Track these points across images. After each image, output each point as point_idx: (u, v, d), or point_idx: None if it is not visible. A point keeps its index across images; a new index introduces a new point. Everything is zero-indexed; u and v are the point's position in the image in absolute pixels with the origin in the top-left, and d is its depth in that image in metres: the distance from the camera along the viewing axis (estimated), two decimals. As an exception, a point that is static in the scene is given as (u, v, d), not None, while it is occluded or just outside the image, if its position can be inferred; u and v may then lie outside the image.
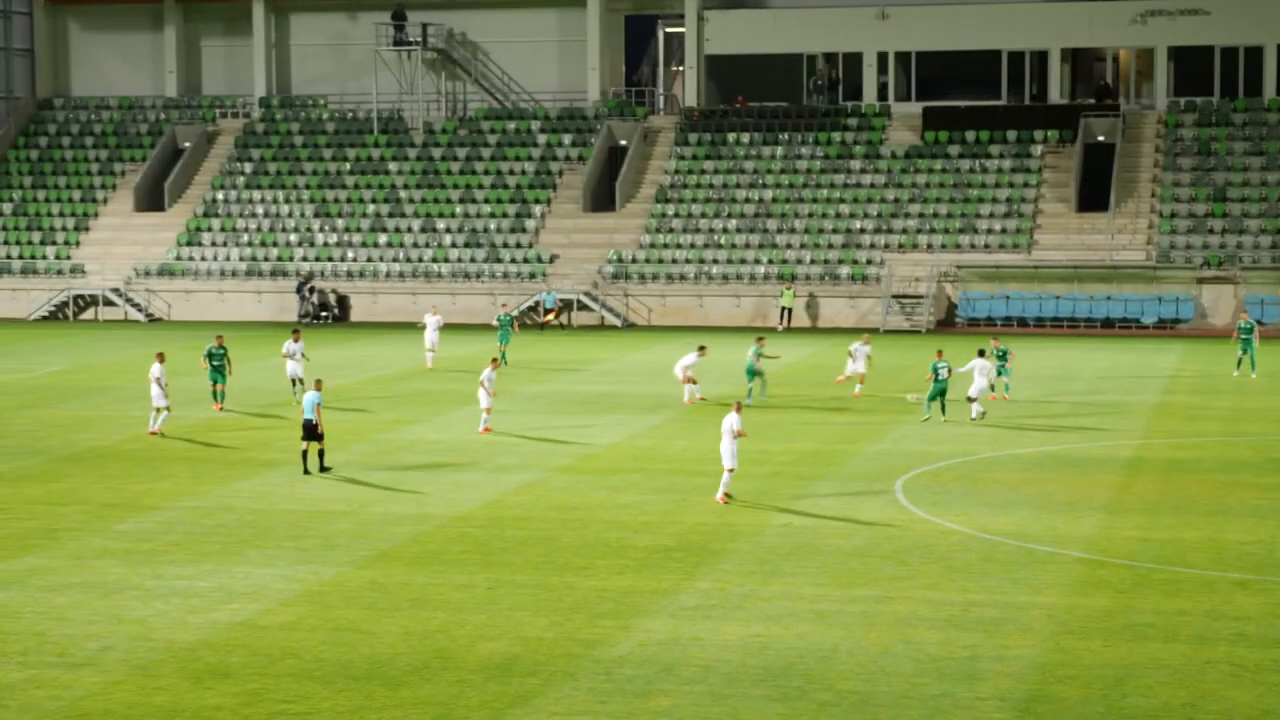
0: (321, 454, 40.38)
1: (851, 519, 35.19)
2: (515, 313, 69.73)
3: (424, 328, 60.99)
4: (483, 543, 33.14)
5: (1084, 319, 75.63)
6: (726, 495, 36.76)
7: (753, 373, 51.69)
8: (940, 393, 47.62)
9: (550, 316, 75.23)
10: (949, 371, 47.65)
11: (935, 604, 28.36)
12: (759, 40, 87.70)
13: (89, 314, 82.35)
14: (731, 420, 36.52)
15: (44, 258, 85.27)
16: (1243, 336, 58.36)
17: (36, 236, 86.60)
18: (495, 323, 63.48)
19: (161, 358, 46.80)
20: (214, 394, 50.71)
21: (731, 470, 36.69)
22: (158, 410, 46.08)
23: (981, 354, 48.33)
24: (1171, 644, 26.10)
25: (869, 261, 78.42)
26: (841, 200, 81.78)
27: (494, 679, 24.53)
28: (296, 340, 52.96)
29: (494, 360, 47.87)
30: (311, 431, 39.80)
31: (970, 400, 47.71)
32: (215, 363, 50.49)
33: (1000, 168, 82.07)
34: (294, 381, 52.54)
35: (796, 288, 77.21)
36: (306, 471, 40.06)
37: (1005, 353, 52.64)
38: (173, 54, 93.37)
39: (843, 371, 54.40)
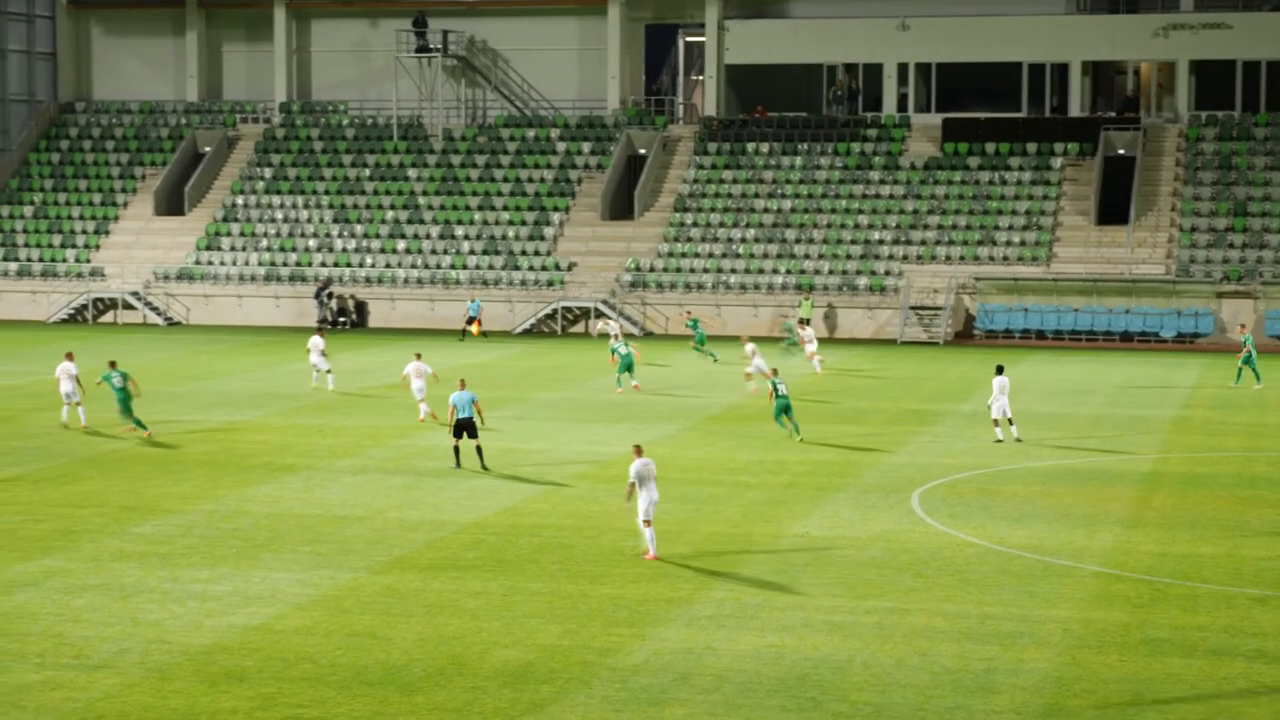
0: (480, 451, 41.71)
1: (868, 530, 35.15)
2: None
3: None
4: (499, 550, 33.15)
5: (1103, 332, 75.51)
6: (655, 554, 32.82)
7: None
8: (784, 409, 46.59)
9: (473, 326, 73.94)
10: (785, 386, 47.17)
11: (951, 616, 28.32)
12: (779, 50, 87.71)
13: (108, 317, 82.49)
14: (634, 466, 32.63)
15: (64, 260, 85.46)
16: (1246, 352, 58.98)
17: (57, 239, 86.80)
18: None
19: (70, 356, 48.39)
20: (126, 416, 46.56)
21: (646, 523, 32.53)
22: (73, 404, 47.00)
23: (1000, 371, 47.68)
24: (1189, 659, 26.03)
25: (887, 273, 78.36)
26: (860, 211, 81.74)
27: (509, 686, 24.53)
28: (321, 335, 57.43)
29: (418, 354, 51.76)
30: (467, 429, 41.30)
31: (997, 423, 46.83)
32: (117, 390, 46.37)
33: (1020, 180, 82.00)
34: (315, 371, 56.38)
35: (815, 298, 77.18)
36: (458, 466, 41.51)
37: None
38: (194, 59, 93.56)
39: (751, 378, 55.69)
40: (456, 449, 41.97)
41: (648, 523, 32.41)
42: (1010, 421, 46.96)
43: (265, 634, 27.11)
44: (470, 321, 74.25)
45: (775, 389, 46.66)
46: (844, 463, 43.35)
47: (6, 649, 26.18)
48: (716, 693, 24.29)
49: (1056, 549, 33.40)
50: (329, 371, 56.07)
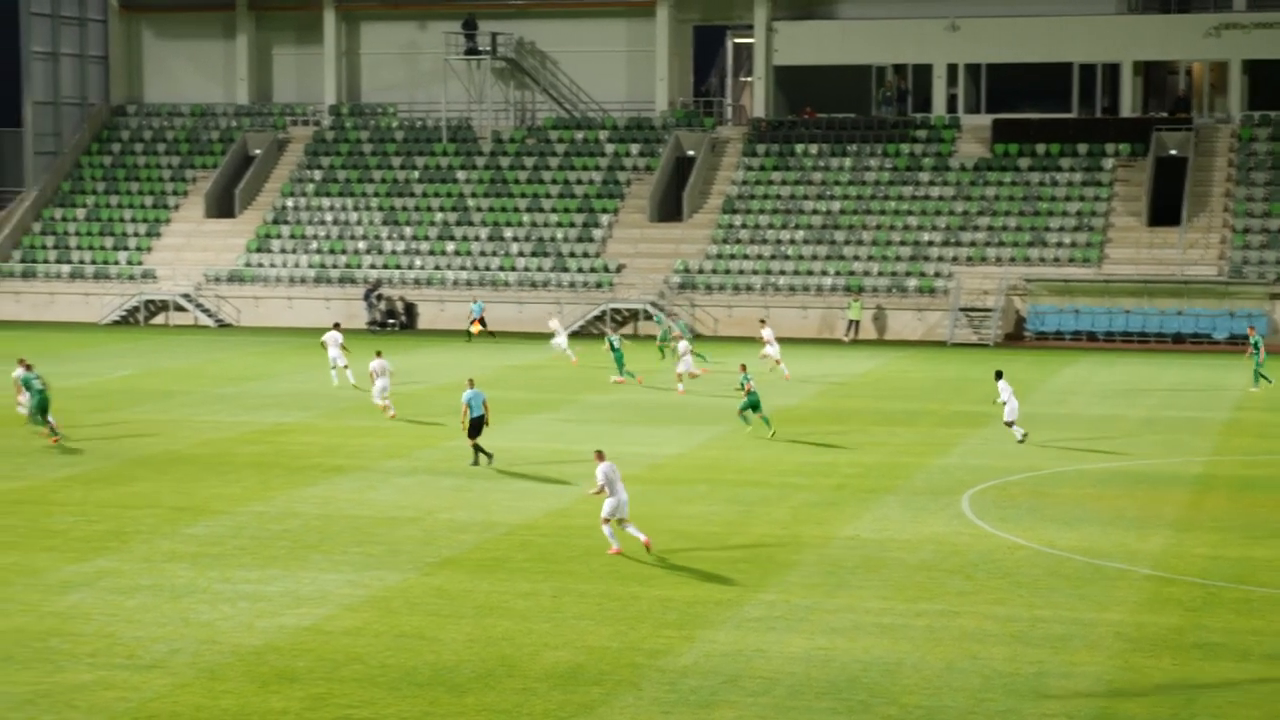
0: (478, 447, 42.49)
1: (918, 533, 35.05)
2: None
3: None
4: (548, 551, 33.16)
5: (1154, 334, 75.10)
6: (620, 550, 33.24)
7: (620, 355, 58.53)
8: (753, 405, 47.15)
9: (475, 326, 73.92)
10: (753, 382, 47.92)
11: (1002, 619, 28.21)
12: (828, 51, 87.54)
13: (160, 319, 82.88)
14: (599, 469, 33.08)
15: (116, 263, 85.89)
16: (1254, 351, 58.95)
17: (109, 242, 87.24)
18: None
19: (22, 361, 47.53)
20: (40, 420, 45.64)
21: (606, 520, 33.04)
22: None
23: (999, 376, 47.60)
24: (1243, 663, 25.87)
25: (937, 274, 78.14)
26: (910, 212, 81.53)
27: (558, 688, 24.54)
28: (337, 329, 58.54)
29: (378, 352, 52.35)
30: (480, 427, 42.22)
31: (1009, 425, 46.92)
32: (36, 391, 45.62)
33: (1071, 181, 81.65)
34: (333, 368, 57.32)
35: (864, 300, 77.01)
36: (476, 464, 42.12)
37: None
38: (244, 62, 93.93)
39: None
40: (476, 446, 42.51)
41: (621, 521, 32.80)
42: (1010, 424, 46.88)
43: (316, 635, 27.19)
44: (473, 322, 74.29)
45: (747, 383, 47.41)
46: (894, 465, 43.23)
47: (60, 649, 26.33)
48: (766, 695, 24.24)
49: (1108, 552, 33.24)
50: (346, 367, 56.63)
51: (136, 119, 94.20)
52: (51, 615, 28.30)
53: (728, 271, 79.79)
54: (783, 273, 79.37)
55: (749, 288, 78.92)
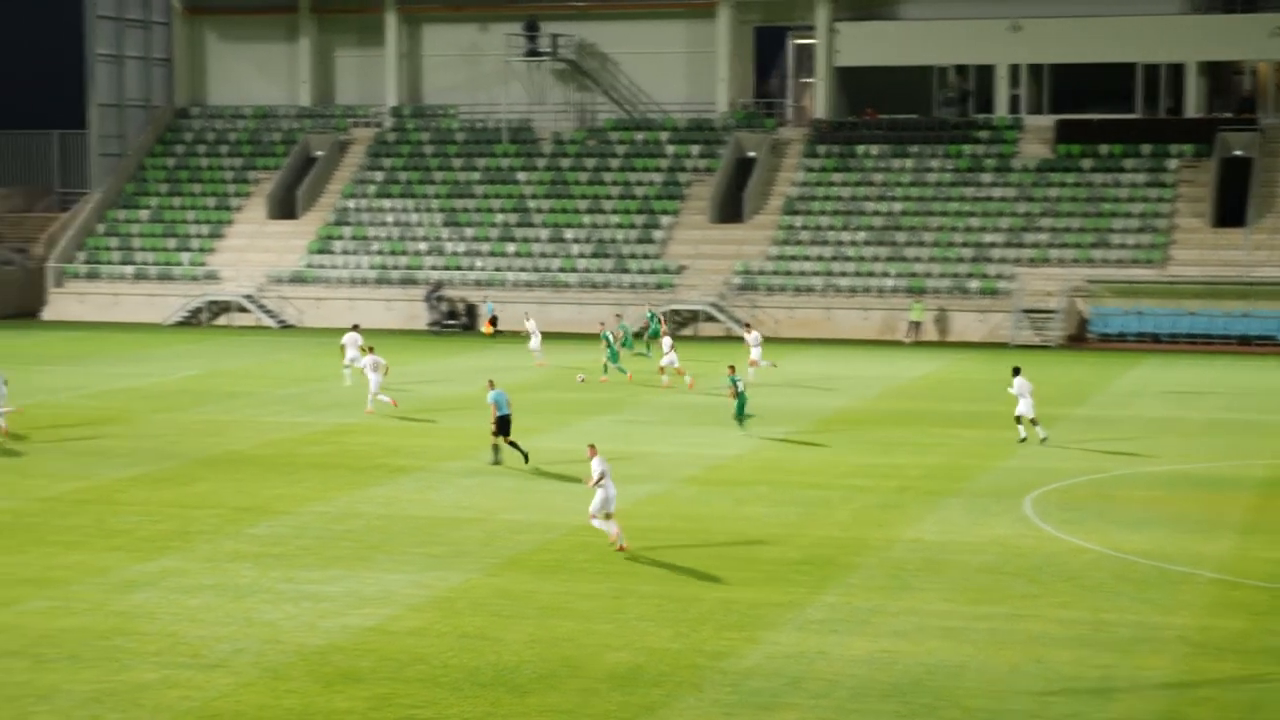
0: (516, 444, 42.43)
1: (981, 535, 34.90)
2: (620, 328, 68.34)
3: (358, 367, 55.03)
4: (609, 552, 33.15)
5: (1219, 336, 74.56)
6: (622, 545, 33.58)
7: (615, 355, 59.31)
8: (739, 406, 47.65)
9: (488, 326, 74.02)
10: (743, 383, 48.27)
11: (1066, 623, 28.06)
12: (889, 52, 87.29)
13: (222, 320, 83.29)
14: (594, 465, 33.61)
15: (180, 264, 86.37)
16: None
17: (172, 243, 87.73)
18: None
19: None
20: None
21: (594, 516, 33.54)
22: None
23: (1017, 372, 47.40)
24: (1309, 667, 25.67)
25: (999, 276, 77.79)
26: (972, 213, 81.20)
27: (620, 688, 24.54)
28: (356, 330, 58.81)
29: (370, 348, 53.41)
30: (506, 426, 42.34)
31: (1019, 420, 46.78)
32: None
33: (1134, 182, 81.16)
34: (347, 366, 57.54)
35: (925, 301, 76.72)
36: (498, 462, 42.19)
37: None
38: (307, 64, 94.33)
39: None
40: (496, 447, 42.66)
41: (607, 516, 33.22)
42: (1034, 422, 46.63)
43: (379, 635, 27.27)
44: (487, 322, 74.52)
45: (735, 385, 47.58)
46: (957, 467, 43.06)
47: (125, 648, 26.49)
48: (828, 698, 24.18)
49: (1173, 555, 33.02)
50: (347, 368, 57.30)
51: (200, 121, 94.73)
52: (117, 614, 28.48)
53: (789, 273, 79.64)
54: (844, 274, 79.16)
55: (810, 289, 78.75)
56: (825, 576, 31.20)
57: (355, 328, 59.95)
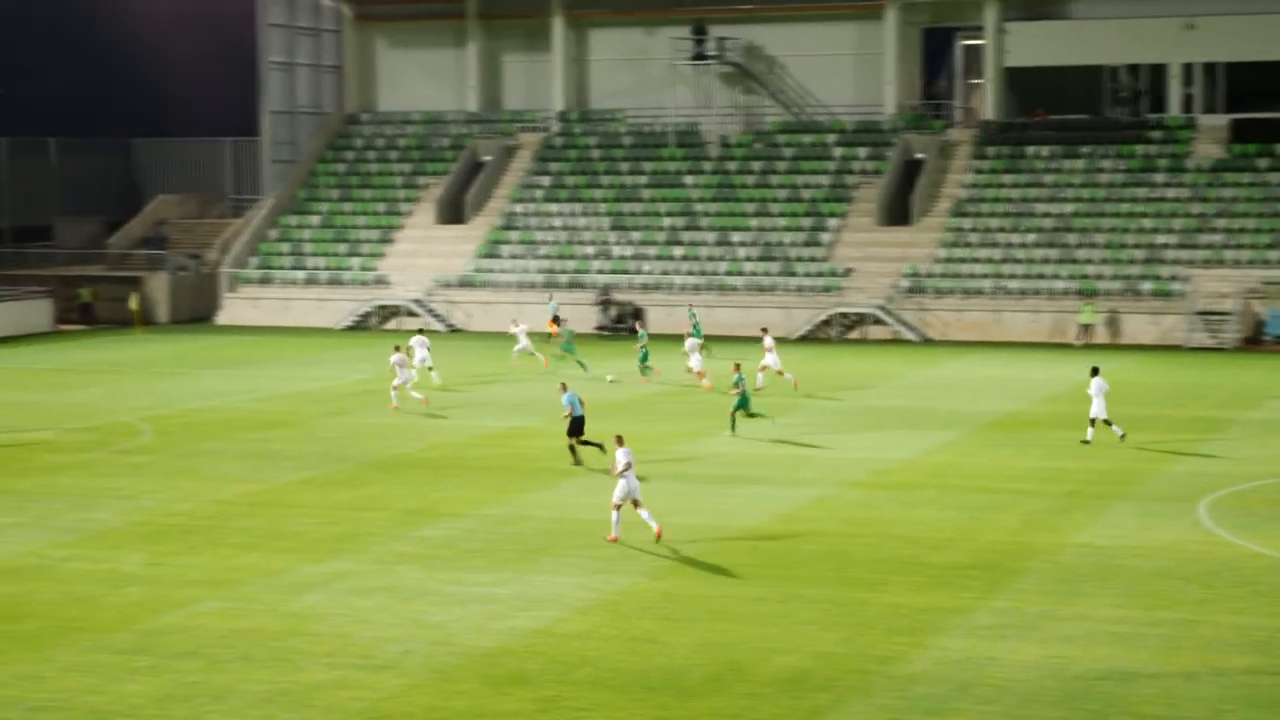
0: (590, 443, 42.91)
1: (1153, 540, 34.40)
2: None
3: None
4: (776, 556, 33.10)
5: (1399, 338, 72.87)
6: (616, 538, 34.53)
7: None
8: (742, 405, 47.78)
9: (552, 326, 73.85)
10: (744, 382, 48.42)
11: (1242, 629, 27.58)
12: (1059, 52, 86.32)
13: (392, 324, 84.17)
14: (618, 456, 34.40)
15: (349, 269, 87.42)
16: None
17: (343, 248, 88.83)
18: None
19: None
20: None
21: (617, 506, 34.38)
22: None
23: (1095, 372, 46.67)
24: None
25: (1173, 277, 76.63)
26: (1144, 214, 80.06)
27: (787, 693, 24.48)
28: (421, 334, 60.26)
29: (396, 347, 54.90)
30: (580, 427, 42.94)
31: (1094, 423, 46.08)
32: None
33: (1311, 181, 79.59)
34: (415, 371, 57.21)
35: (1097, 303, 75.74)
36: (578, 464, 42.66)
37: None
38: (474, 70, 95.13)
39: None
40: (572, 448, 43.21)
41: (635, 504, 34.12)
42: (1108, 423, 45.95)
43: (547, 637, 27.41)
44: (550, 321, 74.49)
45: (739, 384, 47.85)
46: (1127, 471, 42.48)
47: (297, 649, 26.84)
48: (997, 703, 23.96)
49: (1352, 561, 32.35)
50: (431, 368, 58.43)
51: (369, 127, 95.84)
52: (289, 615, 28.87)
53: (957, 275, 79.00)
54: (1013, 276, 78.38)
55: (979, 291, 78.06)
56: (994, 581, 30.91)
57: (421, 331, 61.75)
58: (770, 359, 57.14)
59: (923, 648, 26.66)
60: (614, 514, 34.42)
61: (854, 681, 24.99)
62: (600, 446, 42.60)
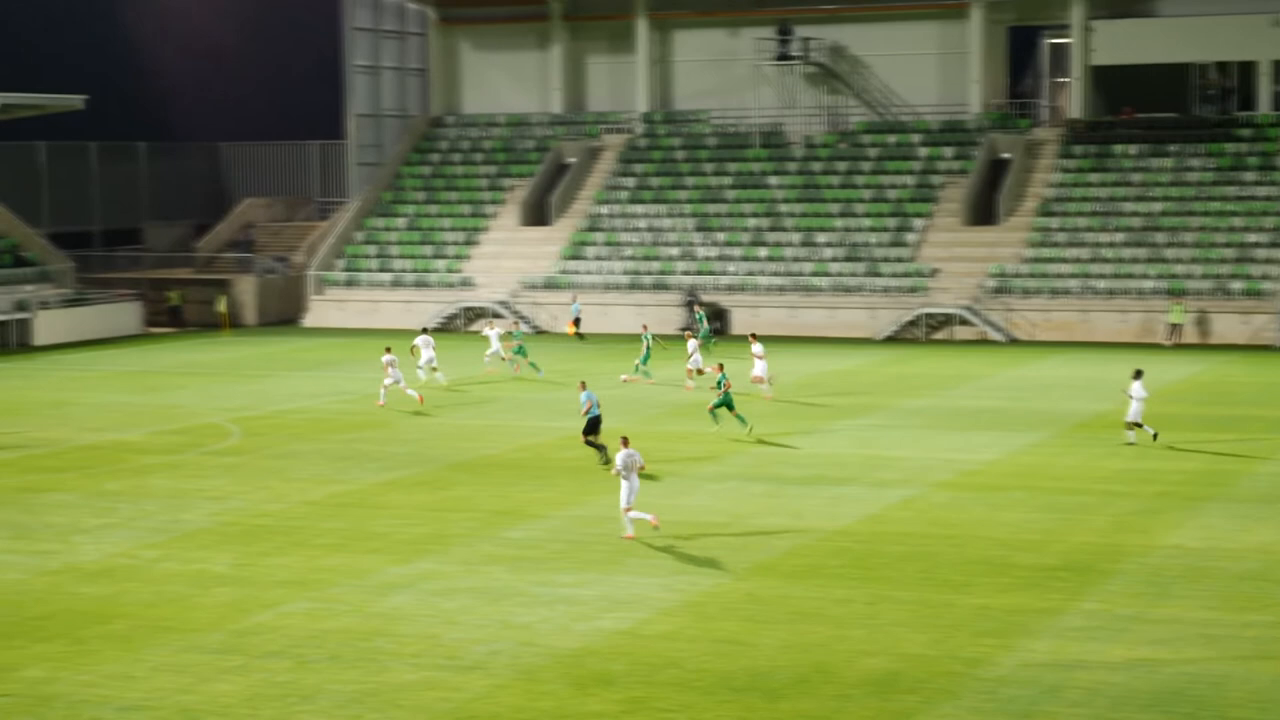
0: (595, 444, 43.26)
1: (1244, 541, 34.05)
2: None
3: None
4: (862, 557, 32.98)
5: None
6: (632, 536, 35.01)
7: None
8: (726, 404, 47.62)
9: (570, 327, 73.99)
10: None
11: (1336, 632, 27.26)
12: (1146, 50, 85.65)
13: (476, 325, 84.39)
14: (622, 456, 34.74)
15: (435, 271, 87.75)
16: None
17: (428, 250, 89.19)
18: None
19: None
20: None
21: (628, 509, 34.81)
22: None
23: (1138, 375, 46.14)
24: None
25: (1264, 276, 75.87)
26: (1234, 213, 79.31)
27: (874, 695, 24.37)
28: (426, 333, 61.52)
29: (387, 348, 56.12)
30: (596, 426, 43.30)
31: (1130, 427, 45.73)
32: None
33: (1404, 178, 78.63)
34: (420, 371, 59.43)
35: (1186, 303, 75.09)
36: (607, 463, 41.96)
37: None
38: (559, 72, 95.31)
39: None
40: (599, 446, 43.23)
41: (628, 509, 34.45)
42: (1139, 425, 45.70)
43: (632, 638, 27.40)
44: (570, 323, 74.72)
45: (721, 383, 47.97)
46: (1218, 472, 42.08)
47: (385, 649, 26.96)
48: (1087, 706, 23.77)
49: None
50: (436, 369, 59.55)
51: (454, 129, 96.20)
52: (376, 616, 29.00)
53: (1044, 275, 78.50)
54: (1101, 276, 77.84)
55: (1066, 291, 77.56)
56: (1083, 583, 30.68)
57: (425, 330, 63.14)
58: (759, 367, 55.93)
59: (1011, 650, 26.49)
60: (631, 514, 34.67)
61: (943, 684, 24.85)
62: (604, 449, 42.74)
